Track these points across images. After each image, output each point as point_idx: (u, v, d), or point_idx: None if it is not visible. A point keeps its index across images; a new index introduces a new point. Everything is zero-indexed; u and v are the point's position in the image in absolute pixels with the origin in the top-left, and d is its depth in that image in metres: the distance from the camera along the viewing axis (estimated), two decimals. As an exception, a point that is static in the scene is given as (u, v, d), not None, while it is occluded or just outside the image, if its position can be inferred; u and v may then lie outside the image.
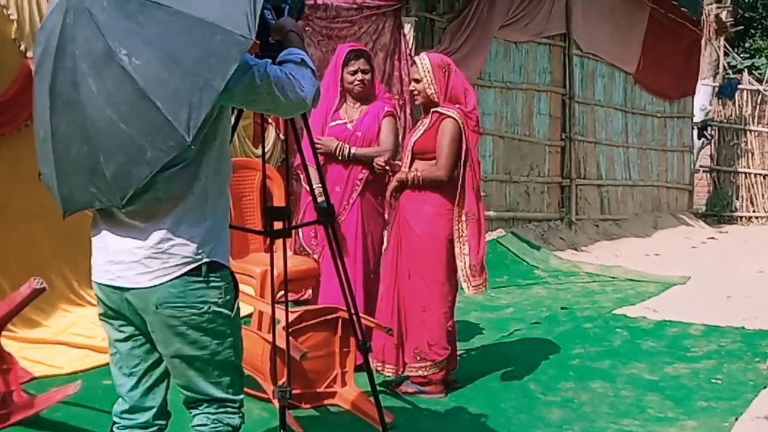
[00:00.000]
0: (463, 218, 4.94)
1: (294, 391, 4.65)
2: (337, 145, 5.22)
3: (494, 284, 8.69)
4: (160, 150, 2.44)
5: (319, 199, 3.78)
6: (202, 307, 2.65)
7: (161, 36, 2.44)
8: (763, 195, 16.05)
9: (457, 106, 4.96)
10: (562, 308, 7.60)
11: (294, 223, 4.43)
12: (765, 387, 5.30)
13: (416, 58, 5.09)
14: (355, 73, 5.28)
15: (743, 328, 6.91)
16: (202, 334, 2.68)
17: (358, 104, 5.38)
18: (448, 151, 4.91)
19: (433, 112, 5.00)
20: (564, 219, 11.74)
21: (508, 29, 10.35)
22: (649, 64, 13.54)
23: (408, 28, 8.66)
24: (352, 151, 5.23)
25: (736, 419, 4.71)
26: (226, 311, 2.71)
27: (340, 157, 5.24)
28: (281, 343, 4.52)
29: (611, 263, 10.29)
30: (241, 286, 5.67)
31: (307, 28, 7.79)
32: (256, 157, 6.71)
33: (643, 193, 13.88)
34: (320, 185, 3.89)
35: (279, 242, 5.68)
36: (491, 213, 10.38)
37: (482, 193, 9.83)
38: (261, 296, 5.38)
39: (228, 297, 2.73)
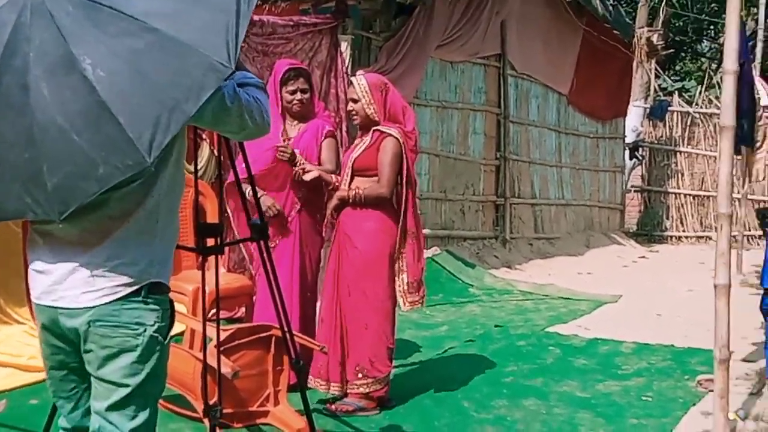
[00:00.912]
0: (404, 236, 4.97)
1: (226, 410, 4.57)
2: (298, 157, 5.16)
3: (430, 302, 8.68)
4: (114, 167, 2.29)
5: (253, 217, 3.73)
6: (138, 329, 2.54)
7: (132, 50, 2.31)
8: (692, 215, 16.37)
9: (397, 125, 4.99)
10: (496, 326, 7.64)
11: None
12: (694, 404, 5.38)
13: (353, 79, 5.09)
14: (294, 92, 5.25)
15: (673, 345, 7.01)
16: (133, 360, 2.55)
17: (296, 122, 5.35)
18: (390, 169, 4.94)
19: (374, 130, 5.01)
20: (498, 237, 11.83)
21: (445, 49, 10.41)
22: (582, 85, 13.76)
23: (345, 46, 8.66)
24: (307, 167, 5.17)
25: (666, 436, 4.78)
26: (160, 337, 2.60)
27: (297, 171, 5.14)
28: (212, 361, 4.48)
29: (544, 281, 10.39)
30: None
31: (242, 45, 7.75)
32: (189, 174, 6.64)
33: (575, 212, 14.07)
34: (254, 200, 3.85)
35: (212, 259, 5.61)
36: (427, 231, 10.37)
37: (419, 212, 9.93)
38: (193, 314, 5.32)
39: (164, 323, 2.62)
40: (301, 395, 3.75)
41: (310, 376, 4.98)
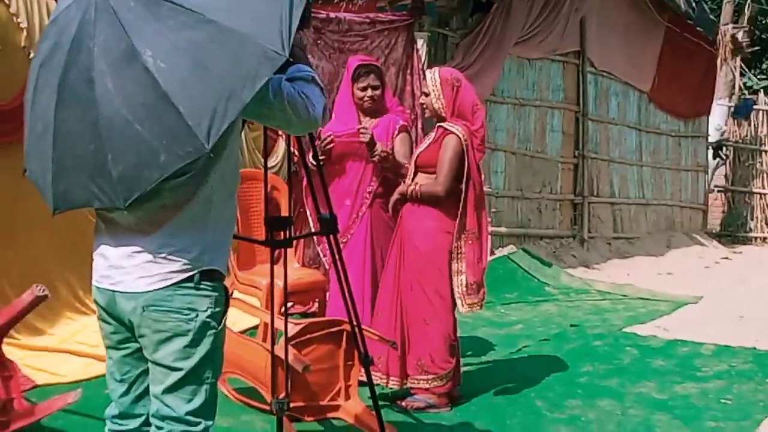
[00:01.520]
0: (463, 236, 4.91)
1: (297, 404, 4.61)
2: (376, 143, 5.18)
3: (504, 300, 8.65)
4: (175, 155, 2.39)
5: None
6: (190, 314, 2.60)
7: (191, 42, 2.39)
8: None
9: (463, 122, 4.94)
10: (572, 326, 7.53)
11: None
12: (775, 408, 5.22)
13: (427, 72, 5.09)
14: (365, 89, 5.28)
15: (755, 348, 6.82)
16: (186, 344, 2.61)
17: (369, 118, 5.36)
18: (448, 168, 4.89)
19: (438, 126, 4.99)
20: (576, 236, 11.67)
21: (522, 46, 10.31)
22: (663, 82, 13.49)
23: (421, 43, 8.64)
24: (389, 154, 5.20)
25: (746, 440, 4.64)
26: (213, 323, 2.66)
27: (374, 155, 5.18)
28: (283, 354, 4.50)
29: (623, 281, 10.22)
30: (248, 298, 5.69)
31: (319, 42, 7.80)
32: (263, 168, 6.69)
33: (656, 212, 13.80)
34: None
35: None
36: (502, 229, 10.34)
37: (493, 210, 9.86)
38: (267, 308, 5.35)
39: (218, 309, 2.68)
40: (369, 390, 3.73)
41: (369, 370, 4.97)
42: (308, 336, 4.62)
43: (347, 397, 4.70)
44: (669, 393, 5.54)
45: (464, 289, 4.92)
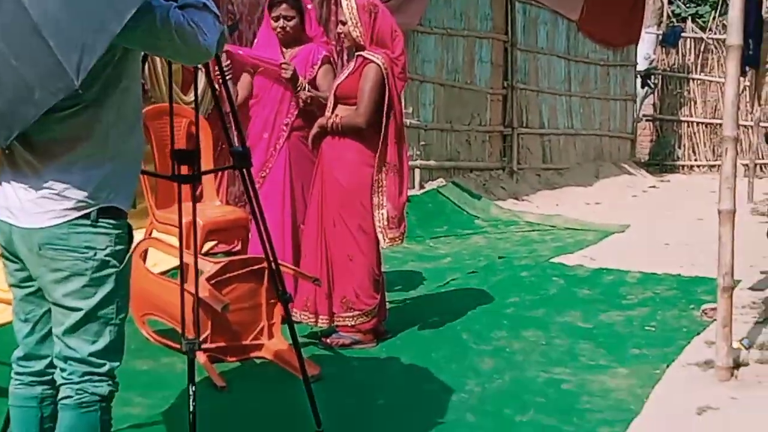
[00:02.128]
0: (384, 168, 4.82)
1: (218, 344, 4.53)
2: (299, 79, 5.07)
3: (433, 234, 8.62)
4: (48, 92, 2.33)
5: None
6: (87, 253, 2.54)
7: None
8: (705, 143, 16.10)
9: (383, 50, 4.80)
10: (500, 257, 7.53)
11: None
12: (698, 334, 5.28)
13: (342, 0, 4.91)
14: (277, 19, 5.13)
15: (679, 275, 6.90)
16: (84, 284, 2.55)
17: (288, 49, 5.22)
18: (369, 98, 4.76)
19: (358, 55, 4.86)
20: (505, 168, 11.66)
21: (450, -27, 10.15)
22: (592, 11, 13.38)
23: (345, -28, 8.41)
24: (306, 86, 5.09)
25: (668, 366, 4.69)
26: (114, 261, 2.59)
27: (297, 90, 5.08)
28: (203, 294, 4.39)
29: (552, 212, 10.25)
30: (167, 237, 5.53)
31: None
32: (186, 105, 6.49)
33: (585, 142, 13.83)
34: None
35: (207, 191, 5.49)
36: (432, 162, 10.27)
37: (422, 143, 9.77)
38: (186, 247, 5.21)
39: (120, 247, 2.61)
40: (289, 328, 3.65)
41: (296, 310, 4.90)
42: (228, 275, 4.52)
43: (270, 336, 4.63)
44: (594, 322, 5.57)
45: (385, 223, 4.85)
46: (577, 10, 13.20)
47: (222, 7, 7.34)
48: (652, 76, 16.28)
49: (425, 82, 10.19)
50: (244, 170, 3.37)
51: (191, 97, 6.78)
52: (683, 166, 16.09)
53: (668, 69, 16.32)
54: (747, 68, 6.75)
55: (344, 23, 4.83)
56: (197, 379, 4.32)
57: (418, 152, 10.01)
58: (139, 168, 2.78)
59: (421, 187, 9.83)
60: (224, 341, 4.56)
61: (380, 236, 4.88)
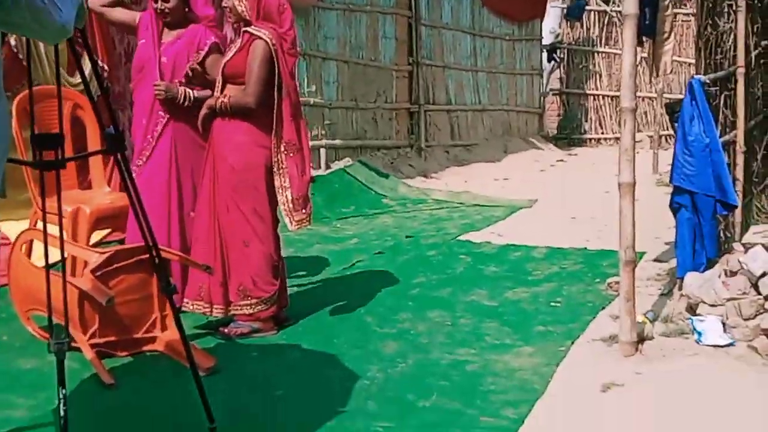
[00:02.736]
0: (282, 149, 4.62)
1: (108, 339, 4.30)
2: (179, 91, 4.79)
3: (340, 215, 8.46)
4: None
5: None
6: None
7: None
8: (611, 116, 16.24)
9: (270, 25, 4.59)
10: (407, 237, 7.42)
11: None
12: (603, 308, 5.23)
13: None
14: (155, 0, 4.82)
15: (585, 249, 6.87)
16: None
17: (171, 30, 4.95)
18: (257, 76, 4.55)
19: (244, 32, 4.63)
20: (414, 146, 11.56)
21: (349, -53, 9.96)
22: (496, -15, 13.39)
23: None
24: (194, 95, 4.80)
25: (572, 343, 4.62)
26: None
27: (185, 104, 4.81)
28: (85, 287, 4.15)
29: (460, 189, 10.18)
30: (51, 228, 5.23)
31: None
32: (71, 87, 6.18)
33: (493, 117, 13.82)
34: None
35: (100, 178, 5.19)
36: (337, 141, 10.10)
37: (327, 122, 9.57)
38: (72, 238, 4.95)
39: None
40: (174, 319, 3.45)
41: (189, 300, 4.69)
42: (115, 265, 4.28)
43: (164, 328, 4.41)
44: (500, 300, 5.48)
45: (291, 205, 4.66)
46: (481, -15, 13.15)
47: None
48: (558, 50, 16.34)
49: (328, 59, 10.00)
50: (118, 155, 3.14)
51: (77, 78, 6.48)
52: (590, 140, 16.21)
53: (573, 42, 16.40)
54: (644, 38, 6.71)
55: None
56: (86, 375, 4.15)
57: (323, 131, 9.83)
58: (4, 153, 2.54)
59: (327, 167, 9.66)
60: (114, 335, 4.33)
61: (286, 219, 4.69)
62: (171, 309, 3.48)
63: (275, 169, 4.62)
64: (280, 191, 4.64)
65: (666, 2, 6.57)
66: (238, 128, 4.61)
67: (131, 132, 5.04)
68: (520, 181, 11.22)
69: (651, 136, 12.30)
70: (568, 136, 16.30)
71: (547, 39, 16.02)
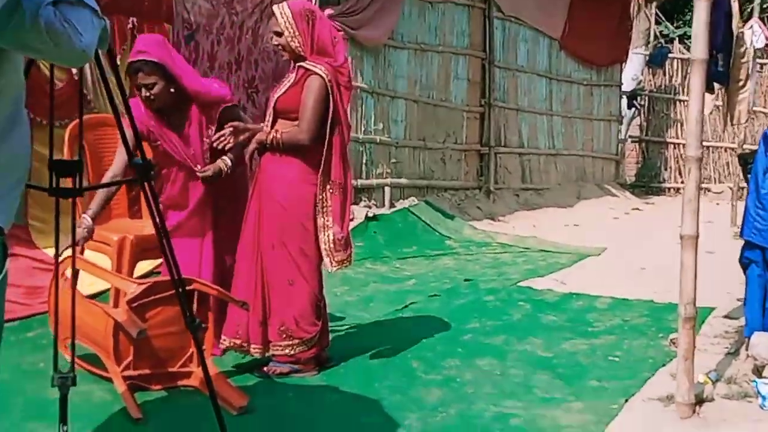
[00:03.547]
0: (328, 187, 4.47)
1: (143, 372, 4.20)
2: (224, 166, 4.62)
3: (401, 254, 8.29)
4: None
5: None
6: None
7: None
8: (692, 166, 15.80)
9: (325, 60, 4.45)
10: (466, 280, 7.20)
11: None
12: (664, 365, 4.94)
13: (275, 8, 4.50)
14: (139, 88, 4.53)
15: (652, 301, 6.57)
16: None
17: (174, 113, 4.65)
18: (312, 112, 4.40)
19: (299, 67, 4.48)
20: (482, 188, 11.35)
21: (423, -13, 9.89)
22: (575, 29, 13.16)
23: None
24: (231, 159, 4.63)
25: (626, 400, 4.34)
26: None
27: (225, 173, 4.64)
28: (122, 319, 4.06)
29: (528, 234, 9.92)
30: (98, 257, 5.17)
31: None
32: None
33: (567, 162, 13.54)
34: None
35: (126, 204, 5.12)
36: (403, 180, 9.96)
37: (393, 160, 9.43)
38: (117, 267, 4.88)
39: None
40: (199, 357, 3.31)
41: (226, 337, 4.55)
42: (154, 297, 4.18)
43: (200, 364, 4.28)
44: (555, 350, 5.23)
45: (332, 245, 4.49)
46: (560, 28, 12.97)
47: (178, 15, 7.03)
48: (639, 97, 16.04)
49: (397, 98, 9.89)
50: (146, 184, 3.03)
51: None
52: (669, 189, 15.82)
53: (655, 90, 16.09)
54: (718, 86, 6.42)
55: (280, 34, 4.45)
56: (116, 408, 4.04)
57: (389, 170, 9.70)
58: (20, 181, 2.43)
59: (392, 205, 9.52)
60: (148, 368, 4.22)
61: (326, 260, 4.53)
62: (195, 345, 3.33)
63: (318, 207, 4.47)
64: (323, 230, 4.48)
65: (742, 49, 6.28)
66: (288, 164, 4.47)
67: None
68: (591, 228, 10.90)
69: (731, 187, 11.89)
70: (646, 184, 15.93)
71: (629, 85, 15.73)
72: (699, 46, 4.17)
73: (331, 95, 4.44)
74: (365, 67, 9.28)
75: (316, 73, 4.43)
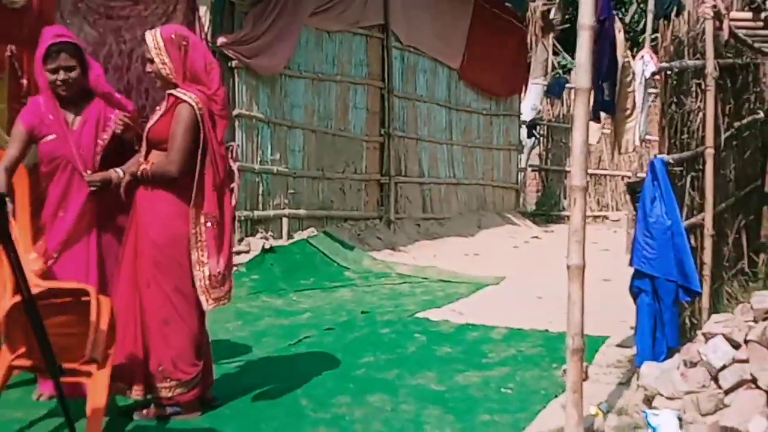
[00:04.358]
0: (202, 220, 4.27)
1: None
2: (115, 176, 4.41)
3: (297, 287, 8.13)
4: None
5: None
6: None
7: None
8: (589, 194, 16.03)
9: (197, 87, 4.27)
10: (362, 312, 7.08)
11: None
12: (556, 396, 4.89)
13: (147, 34, 4.31)
14: (55, 71, 4.36)
15: (547, 331, 6.54)
16: None
17: (72, 108, 4.48)
18: (181, 142, 4.21)
19: (169, 94, 4.29)
20: (383, 218, 11.27)
21: (320, 17, 9.81)
22: (474, 60, 13.26)
23: (204, 11, 7.99)
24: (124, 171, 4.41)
25: (517, 435, 4.27)
26: None
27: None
28: None
29: (428, 263, 9.87)
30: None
31: (80, 4, 7.03)
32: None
33: (467, 191, 13.58)
34: None
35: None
36: (301, 211, 9.82)
37: (291, 191, 9.27)
38: None
39: None
40: (59, 403, 3.11)
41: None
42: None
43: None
44: (448, 384, 5.14)
45: (207, 282, 4.28)
46: (458, 58, 13.05)
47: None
48: (538, 127, 16.24)
49: (294, 128, 9.76)
50: None
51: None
52: (568, 216, 15.95)
53: (553, 119, 16.31)
54: (602, 114, 6.45)
55: (152, 61, 4.26)
56: None
57: (287, 200, 9.55)
58: None
59: (290, 236, 9.36)
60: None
61: (202, 297, 4.30)
62: (58, 394, 3.13)
63: (193, 242, 4.26)
64: (198, 266, 4.26)
65: (628, 78, 6.34)
66: (161, 198, 4.27)
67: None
68: (491, 256, 10.91)
69: (627, 215, 12.05)
70: (547, 212, 16.10)
71: (528, 115, 15.92)
72: (583, 76, 4.16)
73: (201, 124, 4.25)
74: (261, 96, 9.14)
75: (185, 101, 4.25)
